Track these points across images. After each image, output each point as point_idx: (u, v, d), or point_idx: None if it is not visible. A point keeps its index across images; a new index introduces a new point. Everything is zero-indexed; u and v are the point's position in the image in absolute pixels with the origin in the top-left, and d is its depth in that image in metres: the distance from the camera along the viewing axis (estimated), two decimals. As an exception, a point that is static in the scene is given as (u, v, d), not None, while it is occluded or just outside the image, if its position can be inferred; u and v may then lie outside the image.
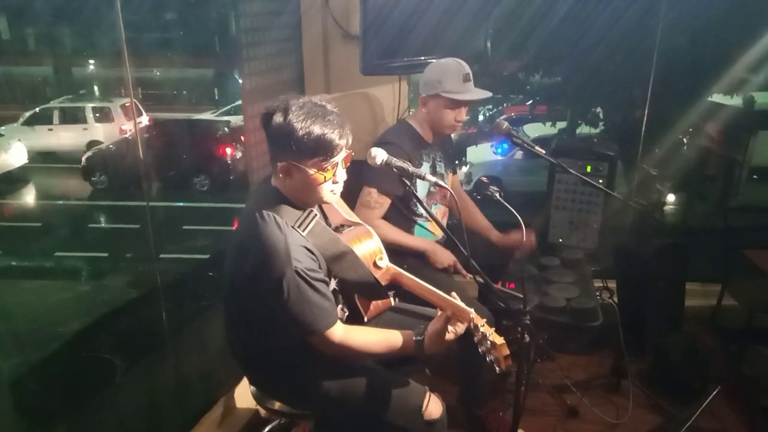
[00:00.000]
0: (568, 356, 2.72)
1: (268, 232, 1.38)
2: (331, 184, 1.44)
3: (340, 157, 1.41)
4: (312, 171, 1.38)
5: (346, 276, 1.53)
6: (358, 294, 1.62)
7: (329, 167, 1.39)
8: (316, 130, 1.34)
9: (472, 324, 1.44)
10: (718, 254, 2.92)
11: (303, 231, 1.43)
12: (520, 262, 2.29)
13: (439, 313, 1.50)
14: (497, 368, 1.37)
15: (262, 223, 1.39)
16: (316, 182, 1.40)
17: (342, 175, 1.46)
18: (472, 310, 1.45)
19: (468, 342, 1.51)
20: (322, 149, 1.36)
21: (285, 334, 1.49)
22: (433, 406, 1.57)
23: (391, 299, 1.70)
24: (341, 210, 1.73)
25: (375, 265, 1.64)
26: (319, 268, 1.44)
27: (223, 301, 1.58)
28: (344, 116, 1.40)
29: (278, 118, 1.36)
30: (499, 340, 1.36)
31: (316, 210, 1.52)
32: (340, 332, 1.46)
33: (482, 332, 1.39)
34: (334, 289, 1.57)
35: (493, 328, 1.41)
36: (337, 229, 1.63)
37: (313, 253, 1.43)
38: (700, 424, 2.01)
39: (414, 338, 1.49)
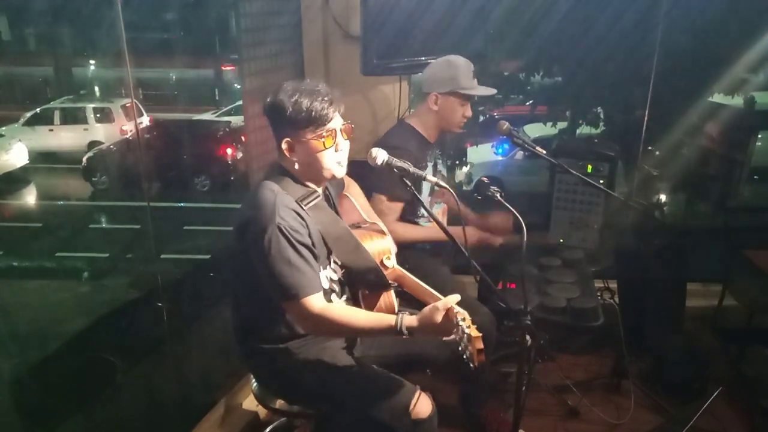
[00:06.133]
0: (568, 356, 2.72)
1: (260, 193, 1.47)
2: (333, 153, 1.50)
3: (335, 124, 1.48)
4: (310, 139, 1.46)
5: (348, 261, 1.56)
6: (362, 284, 1.62)
7: (326, 134, 1.46)
8: (305, 101, 1.43)
9: (455, 319, 1.37)
10: (718, 254, 2.92)
11: (305, 205, 1.49)
12: (520, 262, 2.29)
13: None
14: (471, 365, 1.33)
15: (259, 189, 1.49)
16: (316, 150, 1.47)
17: (344, 144, 1.52)
18: (457, 307, 1.39)
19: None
20: (314, 118, 1.44)
21: (274, 308, 1.50)
22: (422, 406, 1.56)
23: (395, 303, 1.68)
24: (361, 210, 1.78)
25: (382, 263, 1.65)
26: (309, 236, 1.47)
27: (230, 286, 1.63)
28: (335, 89, 1.49)
29: (270, 100, 1.46)
30: (476, 333, 1.32)
31: (320, 193, 1.57)
32: (320, 304, 1.46)
33: (461, 326, 1.34)
34: (340, 279, 1.60)
35: (475, 325, 1.35)
36: (353, 226, 1.68)
37: (303, 220, 1.47)
38: (700, 425, 2.01)
39: (399, 315, 1.44)
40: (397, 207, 2.11)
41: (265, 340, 1.59)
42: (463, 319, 1.36)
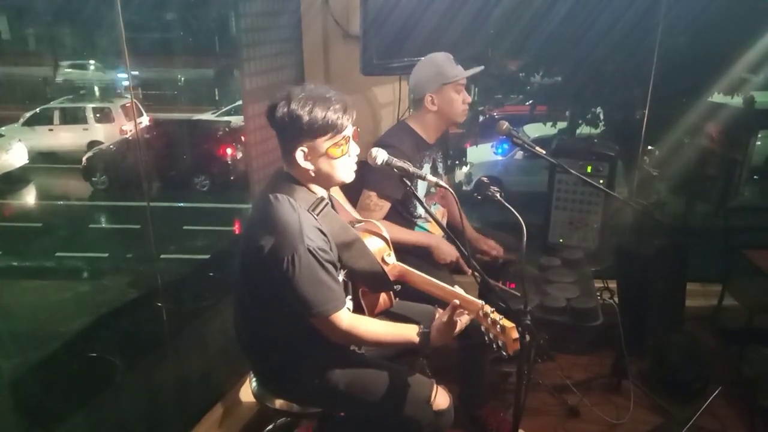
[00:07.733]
0: (568, 356, 2.72)
1: (282, 211, 1.43)
2: (347, 159, 1.51)
3: (349, 131, 1.49)
4: (327, 147, 1.46)
5: (354, 265, 1.56)
6: (365, 285, 1.63)
7: (342, 141, 1.47)
8: (319, 111, 1.41)
9: (481, 312, 1.45)
10: (718, 254, 2.91)
11: (316, 214, 1.48)
12: (520, 262, 2.29)
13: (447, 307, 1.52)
14: (504, 353, 1.41)
15: (275, 202, 1.45)
16: (333, 157, 1.47)
17: (355, 149, 1.53)
18: (481, 301, 1.49)
19: (468, 342, 1.51)
20: (330, 127, 1.43)
21: (293, 316, 1.49)
22: (441, 398, 1.61)
23: (393, 300, 1.71)
24: (350, 210, 1.79)
25: (383, 260, 1.67)
26: (330, 250, 1.47)
27: (233, 291, 1.61)
28: (343, 94, 1.48)
29: (282, 109, 1.42)
30: (509, 324, 1.40)
31: (327, 199, 1.56)
32: (348, 318, 1.49)
33: (492, 318, 1.42)
34: (344, 280, 1.60)
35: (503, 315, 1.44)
36: (350, 224, 1.67)
37: (325, 235, 1.47)
38: (700, 424, 2.01)
39: (421, 330, 1.53)
40: (385, 206, 2.12)
41: (277, 344, 1.59)
42: (492, 311, 1.44)
